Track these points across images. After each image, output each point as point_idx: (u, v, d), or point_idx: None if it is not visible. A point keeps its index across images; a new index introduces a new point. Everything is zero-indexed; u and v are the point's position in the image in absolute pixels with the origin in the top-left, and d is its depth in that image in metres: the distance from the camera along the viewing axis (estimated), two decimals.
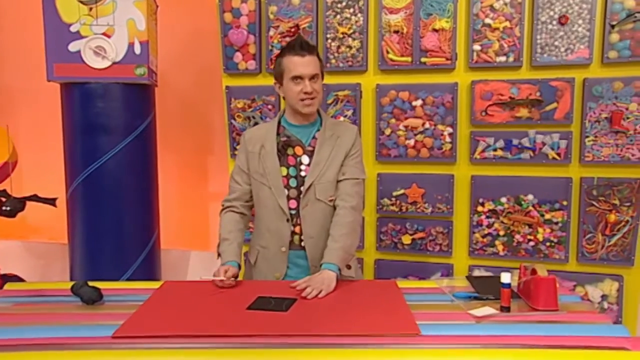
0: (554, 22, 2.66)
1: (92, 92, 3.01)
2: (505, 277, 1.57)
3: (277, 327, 1.46)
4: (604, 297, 2.76)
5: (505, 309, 1.58)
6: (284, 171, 1.98)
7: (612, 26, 2.59)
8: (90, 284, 1.69)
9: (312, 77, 1.90)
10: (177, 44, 3.78)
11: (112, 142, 3.06)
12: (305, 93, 1.89)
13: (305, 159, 1.98)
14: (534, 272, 1.64)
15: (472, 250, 2.90)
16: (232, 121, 3.11)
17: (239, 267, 1.95)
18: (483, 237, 2.88)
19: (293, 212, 1.98)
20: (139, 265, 3.18)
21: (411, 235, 2.96)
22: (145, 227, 3.27)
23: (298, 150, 1.98)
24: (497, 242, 2.86)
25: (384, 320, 1.51)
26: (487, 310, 1.58)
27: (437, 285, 1.86)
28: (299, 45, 1.89)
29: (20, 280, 3.47)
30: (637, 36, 2.58)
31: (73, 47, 2.94)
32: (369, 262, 3.06)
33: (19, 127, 4.10)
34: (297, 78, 1.90)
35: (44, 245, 4.11)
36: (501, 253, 2.86)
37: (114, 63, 2.97)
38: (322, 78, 2.00)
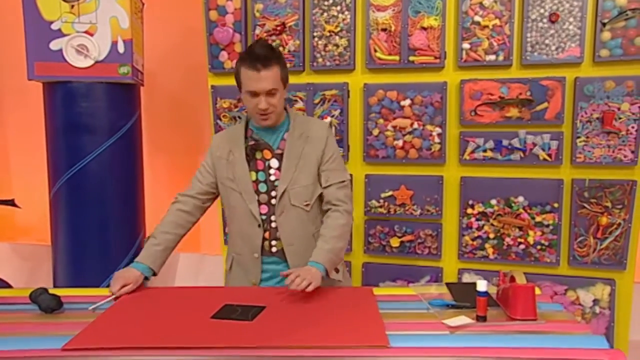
0: (545, 20, 2.59)
1: (75, 91, 2.96)
2: (481, 285, 1.50)
3: (239, 337, 1.39)
4: (595, 301, 2.69)
5: (481, 319, 1.51)
6: (253, 176, 1.91)
7: (604, 24, 2.52)
8: (51, 291, 1.63)
9: (269, 92, 1.80)
10: (165, 43, 3.73)
11: (95, 142, 3.02)
12: (260, 109, 1.82)
13: (274, 163, 1.90)
14: (512, 279, 1.58)
15: (462, 253, 2.84)
16: (218, 121, 3.06)
17: (152, 272, 1.89)
18: (473, 240, 2.81)
19: (264, 217, 1.91)
20: (123, 267, 3.12)
21: (399, 237, 2.90)
22: (130, 229, 3.22)
23: (267, 154, 1.91)
24: (487, 245, 2.80)
25: (352, 331, 1.45)
26: (462, 319, 1.51)
27: (414, 292, 1.79)
28: (254, 57, 1.76)
29: (6, 283, 3.41)
30: (629, 34, 2.50)
31: (54, 45, 2.89)
32: (356, 266, 3.00)
33: (6, 126, 4.06)
34: (252, 93, 1.81)
35: (32, 247, 4.06)
36: (491, 256, 2.79)
37: (97, 62, 2.92)
38: (286, 86, 1.90)
